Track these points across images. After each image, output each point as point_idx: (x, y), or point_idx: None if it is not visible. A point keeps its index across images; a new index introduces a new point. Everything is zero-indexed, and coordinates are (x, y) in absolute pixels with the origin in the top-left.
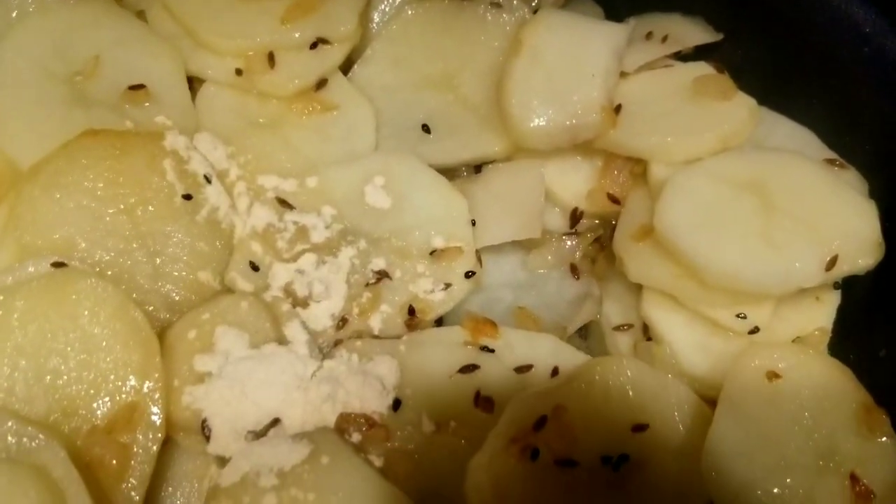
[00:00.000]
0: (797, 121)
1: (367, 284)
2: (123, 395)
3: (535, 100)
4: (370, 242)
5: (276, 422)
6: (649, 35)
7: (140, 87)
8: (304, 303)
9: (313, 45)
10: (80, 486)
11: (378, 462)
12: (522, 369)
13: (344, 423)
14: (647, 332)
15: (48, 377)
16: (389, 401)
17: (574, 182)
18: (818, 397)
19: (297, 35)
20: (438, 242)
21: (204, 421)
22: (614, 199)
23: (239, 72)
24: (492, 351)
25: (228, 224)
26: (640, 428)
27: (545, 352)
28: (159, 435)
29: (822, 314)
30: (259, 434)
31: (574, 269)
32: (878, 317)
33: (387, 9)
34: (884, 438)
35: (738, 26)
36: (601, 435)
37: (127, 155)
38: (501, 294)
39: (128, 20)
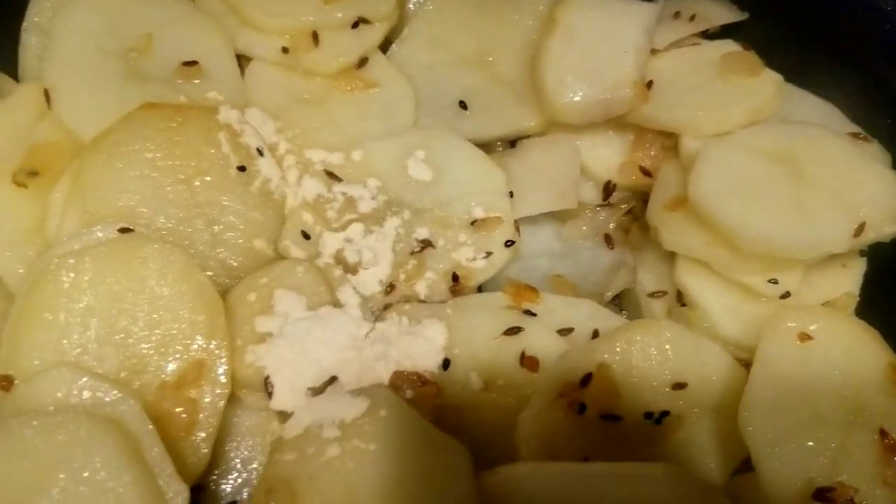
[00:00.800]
0: (820, 96)
1: (412, 253)
2: (191, 353)
3: (569, 76)
4: (414, 213)
5: (333, 379)
6: (677, 14)
7: (193, 63)
8: (353, 269)
9: (354, 25)
10: (154, 436)
11: (429, 418)
12: (564, 332)
13: (398, 381)
14: (680, 299)
15: (118, 337)
16: (439, 360)
17: (606, 156)
18: (847, 357)
19: (339, 15)
20: (479, 213)
21: (267, 378)
22: (646, 172)
23: (285, 50)
24: (534, 315)
25: (280, 195)
26: (679, 386)
27: (585, 316)
28: (226, 390)
29: (848, 280)
30: (318, 390)
31: (608, 239)
32: None
33: None
34: None
35: (761, 5)
36: (643, 392)
37: (184, 127)
38: (538, 263)
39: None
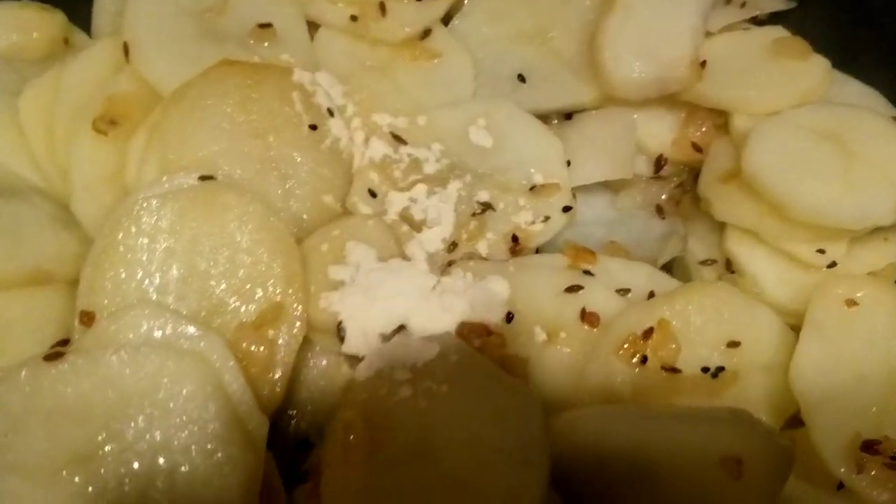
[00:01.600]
0: (864, 82)
1: (474, 214)
2: (270, 296)
3: (627, 52)
4: (475, 177)
5: (402, 328)
6: (729, 1)
7: (267, 25)
8: (419, 227)
9: None
10: (236, 370)
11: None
12: (622, 292)
13: (464, 331)
14: (729, 267)
15: (198, 279)
16: (503, 314)
17: (658, 132)
18: (891, 322)
19: None
20: (538, 179)
21: (339, 323)
22: (697, 148)
23: (353, 18)
24: (592, 275)
25: (348, 154)
26: (733, 344)
27: (642, 278)
28: (302, 332)
29: (891, 252)
30: (388, 337)
31: (659, 210)
32: None
33: None
34: None
35: None
36: (700, 347)
37: (260, 85)
38: (593, 230)
39: None
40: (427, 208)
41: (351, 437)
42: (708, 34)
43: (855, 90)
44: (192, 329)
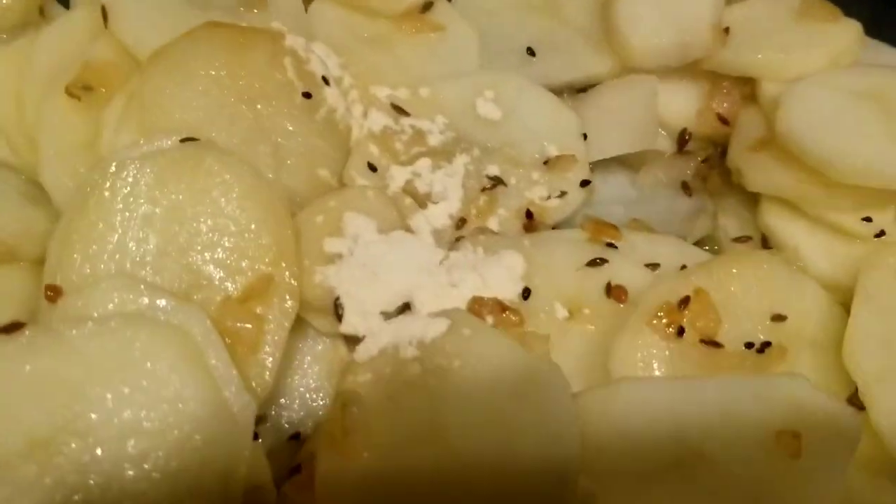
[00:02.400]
0: None
1: (483, 189)
2: (258, 268)
3: (645, 16)
4: (483, 151)
5: (406, 307)
6: None
7: None
8: (423, 202)
9: None
10: (219, 345)
11: None
12: (651, 266)
13: (476, 307)
14: (765, 243)
15: (178, 250)
16: (518, 289)
17: (680, 105)
18: None
19: None
20: (552, 151)
21: (336, 300)
22: (724, 120)
23: None
24: (616, 248)
25: (345, 126)
26: (779, 318)
27: (671, 252)
28: (294, 306)
29: None
30: (391, 315)
31: (685, 187)
32: None
33: None
34: None
35: None
36: (742, 320)
37: (248, 49)
38: (613, 209)
39: None
40: (432, 182)
41: (351, 421)
42: (730, 1)
43: (887, 57)
44: (169, 301)
